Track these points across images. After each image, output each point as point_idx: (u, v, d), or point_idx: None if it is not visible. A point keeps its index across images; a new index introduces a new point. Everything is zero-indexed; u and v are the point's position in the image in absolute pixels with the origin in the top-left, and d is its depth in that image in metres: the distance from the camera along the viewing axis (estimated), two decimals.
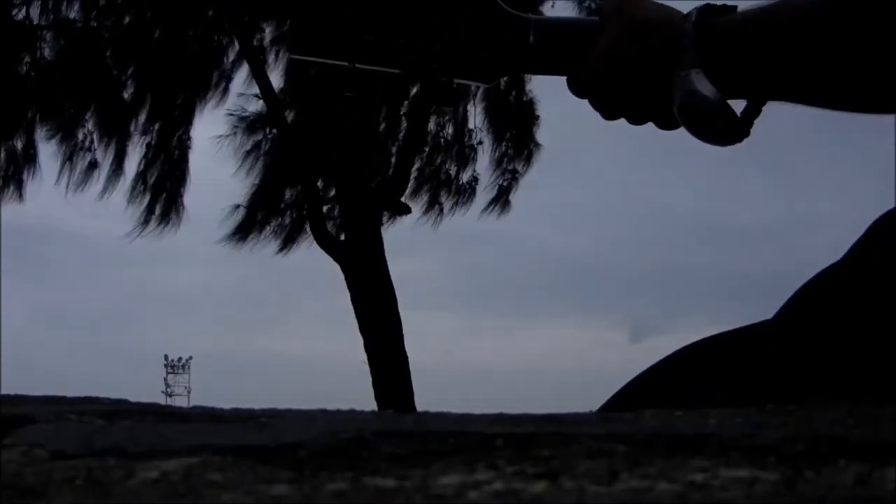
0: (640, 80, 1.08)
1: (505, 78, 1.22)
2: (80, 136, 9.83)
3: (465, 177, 10.63)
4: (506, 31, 1.14)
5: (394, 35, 1.12)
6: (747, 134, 1.05)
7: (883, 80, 0.96)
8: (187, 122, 10.05)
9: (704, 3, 1.05)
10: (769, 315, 1.04)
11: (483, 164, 10.63)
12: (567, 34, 1.14)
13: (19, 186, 9.84)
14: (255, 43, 9.94)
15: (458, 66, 1.14)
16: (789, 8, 1.00)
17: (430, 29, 1.13)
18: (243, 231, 10.26)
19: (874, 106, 1.03)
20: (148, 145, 10.02)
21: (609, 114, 1.12)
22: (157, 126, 9.97)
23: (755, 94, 1.05)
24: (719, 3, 1.08)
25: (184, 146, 10.12)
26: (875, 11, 0.92)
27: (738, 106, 1.05)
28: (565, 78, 1.14)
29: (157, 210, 10.14)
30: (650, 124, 1.12)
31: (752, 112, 1.05)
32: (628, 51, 1.08)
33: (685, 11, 1.09)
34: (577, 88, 1.13)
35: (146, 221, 10.13)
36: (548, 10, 9.96)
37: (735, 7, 1.05)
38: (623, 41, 1.08)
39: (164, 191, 10.12)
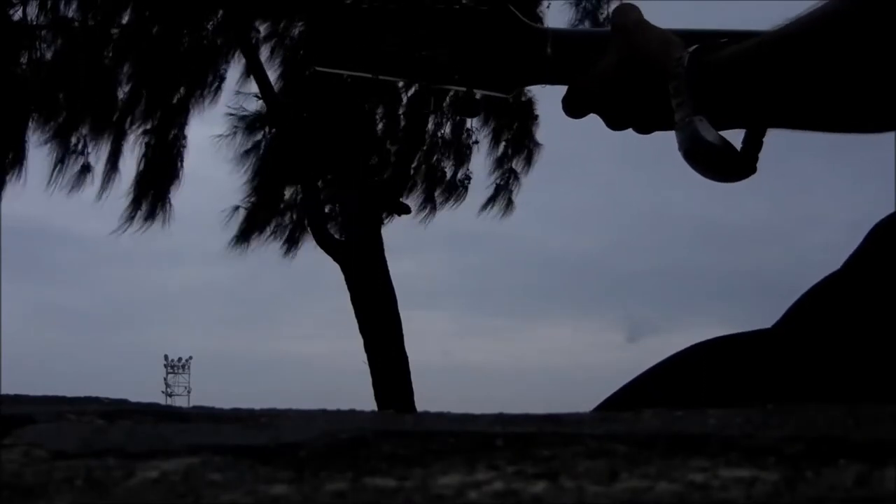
0: (640, 102, 1.09)
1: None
2: (78, 136, 9.83)
3: (465, 176, 10.65)
4: (524, 43, 1.15)
5: (415, 47, 1.14)
6: (754, 170, 1.06)
7: (883, 100, 0.96)
8: (181, 120, 10.05)
9: (695, 46, 1.05)
10: (766, 315, 1.04)
11: (483, 163, 10.65)
12: (584, 46, 1.15)
13: (1, 186, 9.83)
14: (253, 42, 9.94)
15: (477, 77, 1.16)
16: (782, 36, 1.00)
17: (451, 41, 1.14)
18: (244, 232, 10.26)
19: (871, 126, 1.04)
20: (144, 144, 10.02)
21: (614, 126, 1.13)
22: (151, 124, 9.97)
23: (754, 125, 1.06)
24: (711, 27, 1.09)
25: (177, 143, 10.12)
26: (878, 31, 0.92)
27: (737, 135, 1.07)
28: (561, 100, 1.15)
29: (144, 207, 10.14)
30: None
31: (754, 145, 1.06)
32: (628, 76, 1.09)
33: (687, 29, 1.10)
34: (573, 107, 1.14)
35: (132, 217, 10.14)
36: (545, 11, 9.98)
37: (726, 40, 1.05)
38: (623, 66, 1.09)
39: (152, 187, 10.12)
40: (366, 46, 1.14)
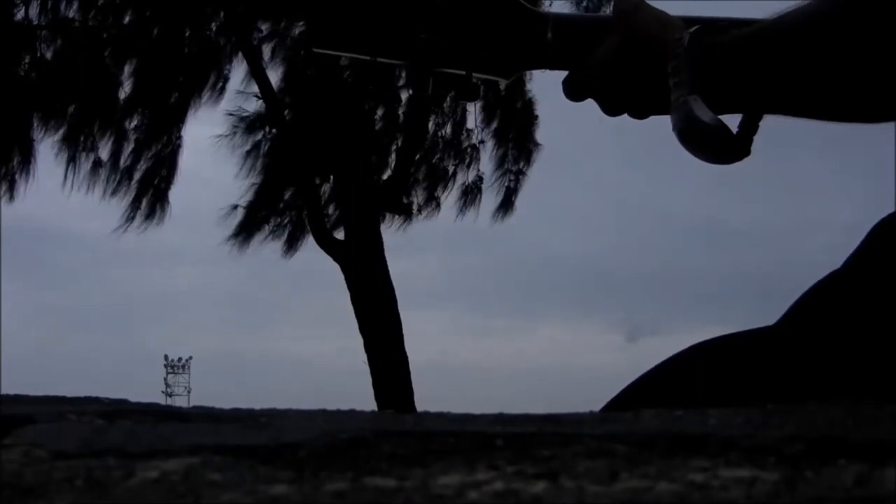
0: (639, 85, 1.09)
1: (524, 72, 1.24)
2: (86, 133, 9.82)
3: (465, 177, 10.64)
4: (524, 27, 1.15)
5: (414, 29, 1.13)
6: (748, 152, 1.06)
7: (882, 89, 0.96)
8: (181, 118, 10.05)
9: (696, 26, 1.05)
10: (766, 316, 1.04)
11: (483, 164, 10.64)
12: (584, 30, 1.15)
13: (11, 186, 9.82)
14: (254, 42, 9.94)
15: (477, 61, 1.15)
16: (784, 22, 1.00)
17: (450, 23, 1.14)
18: (244, 232, 10.26)
19: (870, 115, 1.04)
20: (143, 142, 10.01)
21: (611, 111, 1.13)
22: (151, 123, 9.96)
23: (751, 109, 1.06)
24: (714, 15, 1.09)
25: (174, 143, 10.12)
26: (880, 19, 0.92)
27: (734, 120, 1.07)
28: (561, 82, 1.15)
29: (144, 206, 10.14)
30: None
31: (750, 129, 1.06)
32: (629, 59, 1.09)
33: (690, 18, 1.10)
34: (574, 90, 1.14)
35: (132, 217, 10.14)
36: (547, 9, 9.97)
37: (727, 24, 1.05)
38: (625, 49, 1.09)
39: (151, 186, 10.12)
40: (364, 29, 1.14)
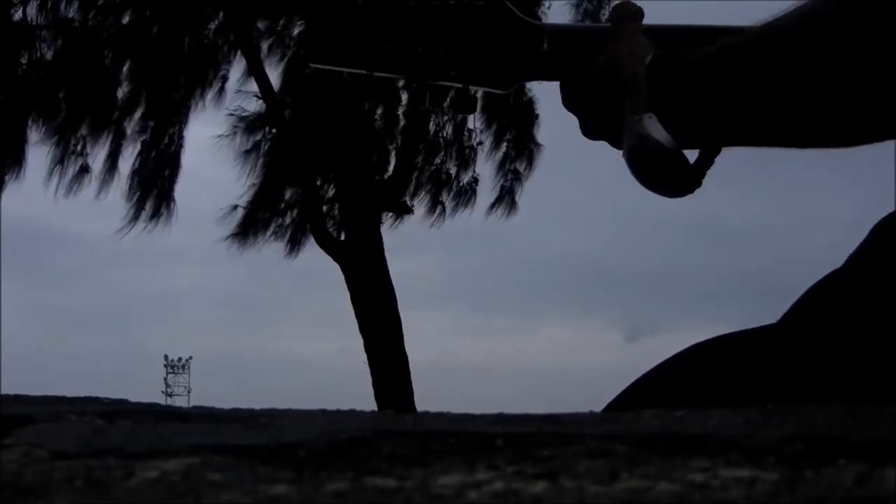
0: (615, 108, 1.05)
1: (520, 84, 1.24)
2: (77, 137, 9.82)
3: (466, 177, 10.65)
4: (521, 39, 1.15)
5: (411, 43, 1.14)
6: (699, 184, 1.03)
7: (860, 112, 0.94)
8: (181, 118, 10.05)
9: (663, 47, 1.04)
10: (766, 315, 1.04)
11: (484, 164, 10.64)
12: (581, 42, 1.15)
13: (0, 187, 9.80)
14: (253, 42, 9.94)
15: (474, 74, 1.16)
16: (752, 41, 0.97)
17: (447, 37, 1.14)
18: (244, 232, 10.26)
19: (848, 139, 1.02)
20: (143, 143, 10.01)
21: (588, 133, 1.10)
22: (151, 123, 9.96)
23: (710, 139, 1.03)
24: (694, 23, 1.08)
25: (176, 143, 10.12)
26: (857, 37, 0.90)
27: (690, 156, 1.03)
28: (560, 90, 1.15)
29: (148, 206, 10.14)
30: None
31: (706, 161, 1.03)
32: (614, 77, 1.07)
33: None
34: (569, 99, 1.13)
35: (136, 217, 10.14)
36: (545, 12, 9.98)
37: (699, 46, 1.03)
38: (614, 66, 1.08)
39: (154, 187, 10.12)
40: (362, 43, 1.14)
